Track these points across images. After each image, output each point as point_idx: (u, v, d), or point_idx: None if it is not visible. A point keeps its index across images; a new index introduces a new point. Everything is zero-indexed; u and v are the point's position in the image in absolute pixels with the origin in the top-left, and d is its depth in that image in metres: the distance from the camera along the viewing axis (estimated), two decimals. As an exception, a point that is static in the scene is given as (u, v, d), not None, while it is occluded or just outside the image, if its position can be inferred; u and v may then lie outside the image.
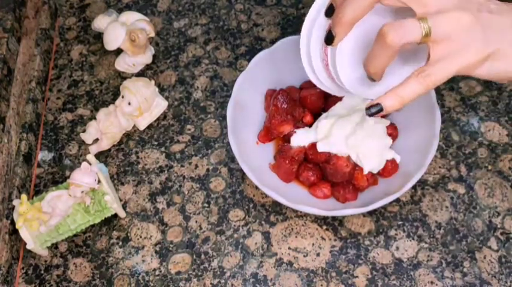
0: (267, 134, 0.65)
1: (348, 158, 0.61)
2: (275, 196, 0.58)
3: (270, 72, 0.67)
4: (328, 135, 0.61)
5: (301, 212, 0.63)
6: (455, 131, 0.68)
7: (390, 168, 0.62)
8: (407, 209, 0.63)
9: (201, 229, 0.64)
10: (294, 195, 0.62)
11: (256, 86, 0.67)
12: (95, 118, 0.70)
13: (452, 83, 0.71)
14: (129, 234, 0.64)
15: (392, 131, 0.64)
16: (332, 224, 0.63)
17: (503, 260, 0.59)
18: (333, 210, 0.59)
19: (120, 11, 0.80)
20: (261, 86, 0.68)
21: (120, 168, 0.69)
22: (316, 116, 0.65)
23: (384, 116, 0.63)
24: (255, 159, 0.63)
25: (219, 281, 0.60)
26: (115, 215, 0.65)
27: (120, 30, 0.73)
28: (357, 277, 0.60)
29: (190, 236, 0.63)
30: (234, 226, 0.64)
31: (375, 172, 0.61)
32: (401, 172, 0.61)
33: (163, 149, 0.70)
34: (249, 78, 0.66)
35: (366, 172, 0.60)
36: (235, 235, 0.63)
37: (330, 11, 0.49)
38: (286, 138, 0.64)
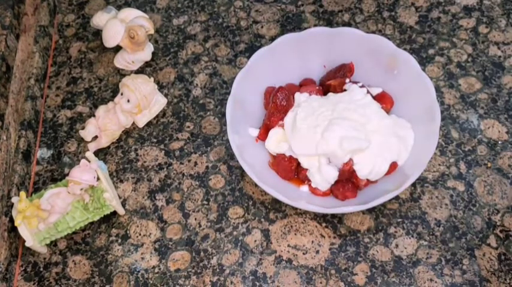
0: (266, 131, 0.65)
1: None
2: (274, 193, 0.58)
3: (269, 69, 0.67)
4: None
5: (300, 209, 0.63)
6: (454, 129, 0.68)
7: (390, 166, 0.62)
8: (407, 206, 0.63)
9: (200, 226, 0.64)
10: (293, 192, 0.62)
11: (256, 84, 0.67)
12: (94, 115, 0.70)
13: (452, 80, 0.71)
14: (128, 231, 0.64)
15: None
16: (331, 221, 0.63)
17: (502, 257, 0.59)
18: (332, 207, 0.59)
19: (119, 8, 0.80)
20: (260, 83, 0.67)
21: (119, 165, 0.69)
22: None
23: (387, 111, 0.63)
24: (254, 156, 0.63)
25: (218, 278, 0.60)
26: (114, 213, 0.65)
27: (119, 27, 0.73)
28: (356, 274, 0.60)
29: (189, 234, 0.63)
30: (234, 223, 0.64)
31: (372, 179, 0.61)
32: (401, 170, 0.61)
33: (162, 146, 0.70)
34: (248, 75, 0.66)
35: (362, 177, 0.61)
36: (235, 233, 0.63)
37: None
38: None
